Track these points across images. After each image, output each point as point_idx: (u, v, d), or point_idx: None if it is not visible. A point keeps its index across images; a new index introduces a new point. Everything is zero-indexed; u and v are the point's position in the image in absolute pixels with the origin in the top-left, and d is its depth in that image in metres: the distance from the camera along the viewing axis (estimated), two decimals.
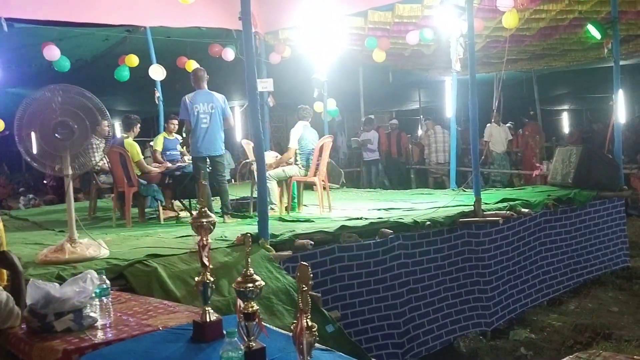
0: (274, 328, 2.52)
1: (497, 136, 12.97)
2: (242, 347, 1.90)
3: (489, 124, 12.89)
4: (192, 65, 9.82)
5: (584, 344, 5.39)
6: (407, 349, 5.31)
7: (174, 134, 8.34)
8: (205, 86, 6.61)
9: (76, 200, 6.20)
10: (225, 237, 5.04)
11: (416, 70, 14.01)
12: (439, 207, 6.51)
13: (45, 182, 14.13)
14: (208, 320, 2.34)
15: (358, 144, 13.78)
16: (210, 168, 6.63)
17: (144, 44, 9.46)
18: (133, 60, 9.56)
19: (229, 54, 10.04)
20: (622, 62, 8.63)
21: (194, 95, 6.49)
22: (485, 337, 5.78)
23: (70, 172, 4.33)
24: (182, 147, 8.19)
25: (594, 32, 8.44)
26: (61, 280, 3.58)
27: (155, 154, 8.10)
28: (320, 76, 10.26)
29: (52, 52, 8.76)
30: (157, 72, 9.40)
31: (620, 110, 8.48)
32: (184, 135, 7.15)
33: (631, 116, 17.05)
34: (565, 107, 22.85)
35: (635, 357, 2.06)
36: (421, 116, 17.35)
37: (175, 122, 8.32)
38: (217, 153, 6.57)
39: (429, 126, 13.97)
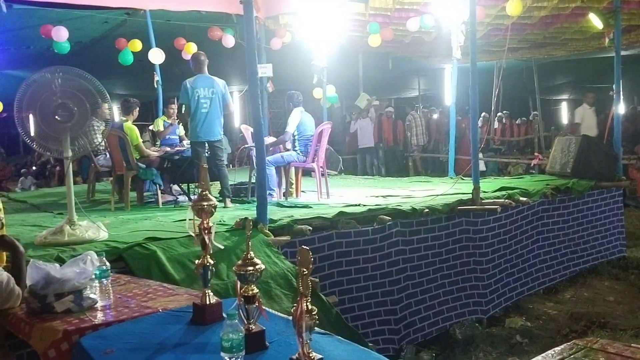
0: (273, 311, 2.53)
1: (589, 120, 11.46)
2: (242, 330, 1.91)
3: (580, 107, 11.74)
4: (191, 48, 9.78)
5: (579, 332, 5.43)
6: (404, 334, 5.34)
7: (172, 118, 8.32)
8: (206, 71, 6.57)
9: (73, 183, 6.20)
10: (224, 221, 5.04)
11: (416, 58, 13.97)
12: (438, 195, 6.52)
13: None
14: (208, 302, 2.35)
15: (360, 108, 13.76)
16: (209, 153, 6.62)
17: (143, 27, 9.39)
18: (136, 45, 9.51)
19: (229, 41, 9.98)
20: (622, 53, 8.61)
21: (194, 80, 6.45)
22: (481, 325, 5.82)
23: (70, 154, 4.32)
24: (179, 125, 8.20)
25: (595, 21, 8.41)
26: (60, 261, 3.59)
27: (159, 133, 8.12)
28: (320, 62, 10.21)
29: (60, 33, 8.71)
30: (156, 56, 9.35)
31: (620, 100, 8.48)
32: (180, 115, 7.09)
33: (630, 107, 17.03)
34: (565, 96, 22.85)
35: (632, 345, 2.08)
36: (419, 104, 17.32)
37: (174, 106, 8.29)
38: (216, 138, 6.55)
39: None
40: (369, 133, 13.77)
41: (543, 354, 2.03)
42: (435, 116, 16.22)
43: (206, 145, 6.55)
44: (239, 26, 9.54)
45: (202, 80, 6.47)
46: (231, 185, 7.24)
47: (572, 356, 1.99)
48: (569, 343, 2.12)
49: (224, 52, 10.16)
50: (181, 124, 8.34)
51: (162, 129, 8.13)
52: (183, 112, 6.49)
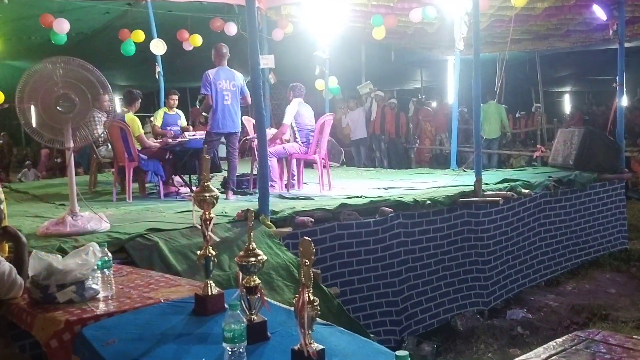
0: (275, 302, 2.54)
1: None
2: (244, 320, 1.91)
3: None
4: (197, 39, 9.74)
5: (580, 324, 5.44)
6: (405, 326, 5.36)
7: (174, 109, 8.29)
8: (226, 63, 6.57)
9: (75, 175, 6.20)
10: (226, 212, 5.04)
11: (419, 49, 13.90)
12: (439, 187, 6.52)
13: None
14: (210, 293, 2.35)
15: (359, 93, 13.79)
16: (225, 143, 6.65)
17: (144, 17, 9.36)
18: (139, 36, 9.47)
19: (232, 28, 9.93)
20: (626, 44, 8.56)
21: (216, 72, 6.44)
22: (482, 316, 5.83)
23: (71, 144, 4.31)
24: (186, 122, 8.17)
25: (599, 12, 8.36)
26: (62, 252, 3.59)
27: (155, 129, 8.06)
28: (322, 53, 10.17)
29: (62, 26, 8.67)
30: (157, 47, 9.31)
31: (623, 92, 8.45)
32: (198, 104, 7.04)
33: (632, 99, 16.96)
34: (568, 88, 22.75)
35: (634, 336, 2.08)
36: (422, 96, 17.25)
37: (176, 97, 8.26)
38: (236, 130, 6.57)
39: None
40: (361, 124, 13.65)
41: (544, 346, 2.02)
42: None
43: (223, 137, 6.57)
44: (241, 17, 9.49)
45: (224, 72, 6.47)
46: None
47: (573, 347, 1.99)
48: (570, 335, 2.12)
49: (226, 43, 10.11)
50: (179, 112, 8.34)
51: (159, 123, 8.07)
52: (203, 103, 6.49)
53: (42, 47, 10.02)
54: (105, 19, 10.56)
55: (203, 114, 6.69)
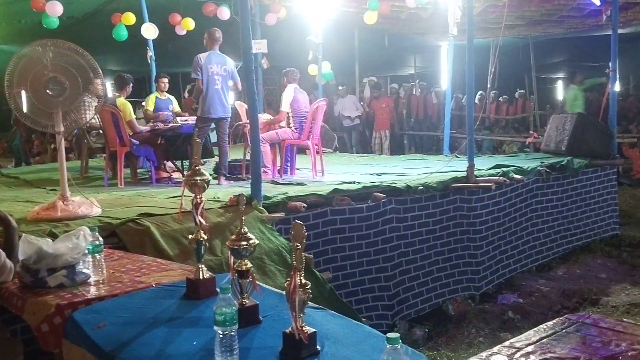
0: (267, 286, 2.53)
1: None
2: (236, 304, 1.90)
3: None
4: (189, 23, 9.66)
5: (571, 309, 5.48)
6: (397, 310, 5.38)
7: (165, 93, 8.22)
8: (218, 48, 6.52)
9: (67, 160, 6.16)
10: (218, 198, 5.03)
11: (412, 35, 13.84)
12: (432, 172, 6.52)
13: None
14: (201, 277, 2.35)
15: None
16: (215, 129, 6.64)
17: (136, 1, 9.26)
18: (130, 18, 9.36)
19: (224, 13, 9.86)
20: (619, 31, 8.54)
21: (208, 56, 6.40)
22: (473, 301, 5.87)
23: (62, 129, 4.28)
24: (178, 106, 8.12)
25: None
26: (53, 237, 3.57)
27: (147, 113, 8.01)
28: (315, 38, 10.11)
29: (55, 8, 8.56)
30: (149, 31, 9.23)
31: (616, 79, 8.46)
32: (187, 95, 7.03)
33: (625, 86, 16.96)
34: (561, 75, 22.73)
35: (624, 320, 2.09)
36: (416, 81, 17.21)
37: (166, 80, 8.19)
38: (226, 115, 6.54)
39: None
40: (352, 111, 13.66)
41: (535, 329, 2.04)
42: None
43: (214, 122, 6.54)
44: (233, 1, 9.41)
45: (215, 56, 6.43)
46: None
47: (564, 330, 2.00)
48: (561, 318, 2.14)
49: (218, 27, 10.02)
50: (170, 97, 8.29)
51: (151, 107, 8.01)
52: (194, 89, 6.45)
53: (32, 31, 9.89)
54: (97, 3, 10.46)
55: (194, 105, 6.66)
